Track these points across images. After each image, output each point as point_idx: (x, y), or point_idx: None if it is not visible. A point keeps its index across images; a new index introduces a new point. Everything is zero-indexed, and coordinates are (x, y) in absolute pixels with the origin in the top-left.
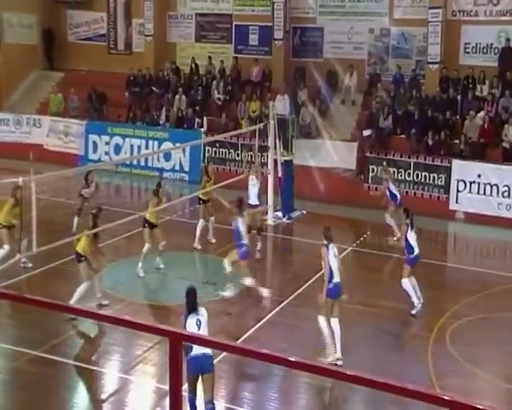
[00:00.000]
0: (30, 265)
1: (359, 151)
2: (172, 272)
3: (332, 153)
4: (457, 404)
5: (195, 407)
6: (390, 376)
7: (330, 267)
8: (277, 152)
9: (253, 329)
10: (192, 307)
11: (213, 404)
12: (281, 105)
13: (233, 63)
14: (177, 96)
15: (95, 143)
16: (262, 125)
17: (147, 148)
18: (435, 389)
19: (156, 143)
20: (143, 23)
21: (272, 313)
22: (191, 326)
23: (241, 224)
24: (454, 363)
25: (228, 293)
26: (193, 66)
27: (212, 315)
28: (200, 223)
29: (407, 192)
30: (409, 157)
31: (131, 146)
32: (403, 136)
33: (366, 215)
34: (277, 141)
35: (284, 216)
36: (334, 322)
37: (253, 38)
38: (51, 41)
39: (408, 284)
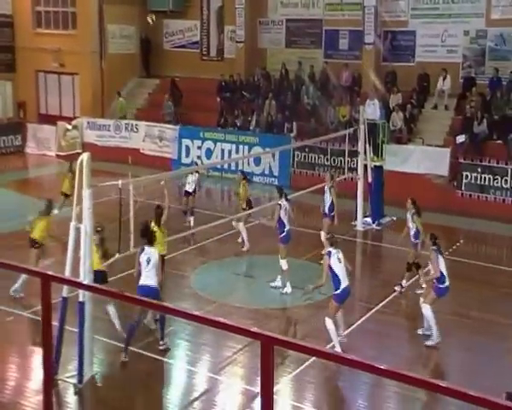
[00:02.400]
0: None
1: (452, 157)
2: (262, 275)
3: (424, 159)
4: None
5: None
6: (485, 391)
7: (336, 273)
8: (367, 157)
9: (342, 335)
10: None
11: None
12: (370, 110)
13: (323, 68)
14: (267, 102)
15: (187, 148)
16: (352, 129)
17: (237, 152)
18: None
19: (246, 147)
20: (235, 30)
21: (361, 319)
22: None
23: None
24: None
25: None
26: (283, 71)
27: (299, 320)
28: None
29: (504, 200)
30: (506, 164)
31: (222, 150)
32: (499, 141)
33: (459, 223)
34: (367, 146)
35: (374, 222)
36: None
37: (343, 43)
38: (148, 50)
39: (429, 311)
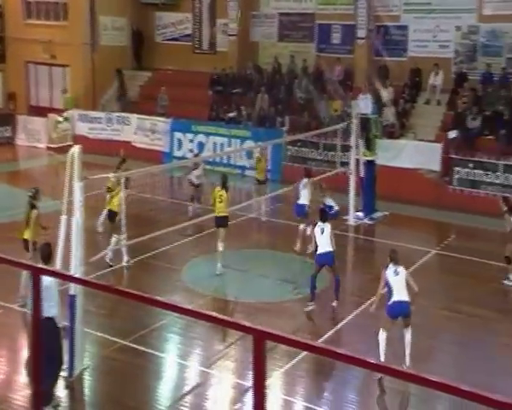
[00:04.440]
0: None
1: (444, 152)
2: (253, 269)
3: (416, 153)
4: None
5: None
6: (476, 386)
7: (390, 285)
8: (359, 152)
9: (334, 329)
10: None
11: None
12: (363, 104)
13: (316, 62)
14: (259, 95)
15: (179, 141)
16: (344, 124)
17: (229, 146)
18: None
19: (238, 141)
20: (227, 23)
21: (352, 314)
22: None
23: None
24: None
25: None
26: (275, 65)
27: (290, 314)
28: None
29: (495, 195)
30: (497, 159)
31: (214, 144)
32: (491, 137)
33: (451, 218)
34: (359, 140)
35: (366, 217)
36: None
37: (336, 37)
38: (140, 42)
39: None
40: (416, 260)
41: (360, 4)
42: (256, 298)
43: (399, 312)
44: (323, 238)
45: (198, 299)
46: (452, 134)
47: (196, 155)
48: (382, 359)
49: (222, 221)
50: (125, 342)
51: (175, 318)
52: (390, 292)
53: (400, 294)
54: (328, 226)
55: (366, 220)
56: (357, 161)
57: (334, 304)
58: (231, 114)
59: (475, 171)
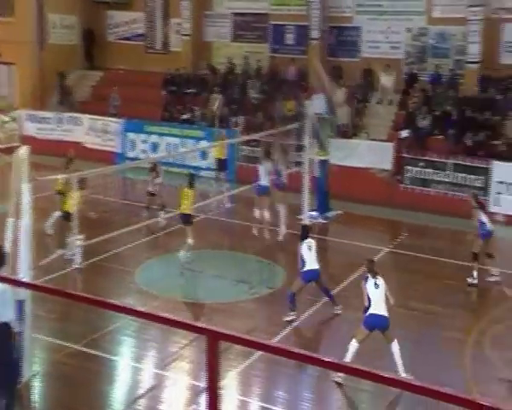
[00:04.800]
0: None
1: (396, 151)
2: (208, 270)
3: (368, 153)
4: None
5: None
6: (427, 380)
7: (369, 298)
8: (313, 151)
9: (288, 328)
10: None
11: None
12: (316, 104)
13: (270, 62)
14: (213, 96)
15: (132, 142)
16: (298, 124)
17: (183, 147)
18: (473, 394)
19: (192, 141)
20: (181, 22)
21: (307, 313)
22: None
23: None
24: (493, 368)
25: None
26: (229, 65)
27: (246, 314)
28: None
29: (445, 194)
30: (447, 158)
31: (168, 144)
32: (440, 136)
33: (402, 216)
34: (313, 140)
35: (319, 216)
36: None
37: (289, 38)
38: (91, 41)
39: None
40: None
41: (313, 5)
42: (212, 299)
43: (376, 325)
44: (311, 255)
45: (152, 301)
46: (404, 133)
47: (153, 168)
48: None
49: (185, 218)
50: (76, 347)
51: (128, 320)
52: (368, 304)
53: (378, 307)
54: (314, 243)
55: (320, 219)
56: (311, 160)
57: (339, 311)
58: (185, 115)
59: (426, 170)
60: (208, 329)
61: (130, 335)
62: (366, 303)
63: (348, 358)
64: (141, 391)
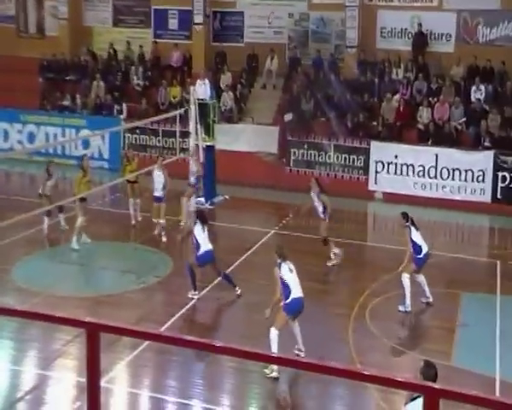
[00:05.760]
0: None
1: (281, 135)
2: (93, 262)
3: (254, 137)
4: (375, 378)
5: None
6: (312, 355)
7: (287, 284)
8: (199, 137)
9: (177, 315)
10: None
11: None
12: (201, 90)
13: (152, 48)
14: (94, 83)
15: (5, 132)
16: (183, 110)
17: (63, 136)
18: (356, 365)
19: (73, 130)
20: (56, 5)
21: (195, 298)
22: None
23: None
24: (373, 339)
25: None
26: (111, 51)
27: (133, 304)
28: (130, 202)
29: (328, 174)
30: (329, 140)
31: (47, 134)
32: (323, 119)
33: (288, 198)
34: (198, 126)
35: (206, 202)
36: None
37: (173, 23)
38: None
39: (407, 280)
40: (257, 240)
41: None
42: (97, 291)
43: (299, 308)
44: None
45: (32, 298)
46: (288, 116)
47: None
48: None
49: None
50: None
51: (4, 321)
52: (287, 290)
53: (298, 290)
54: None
55: (207, 205)
56: (197, 146)
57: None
58: (65, 103)
59: (310, 151)
60: (87, 321)
61: (7, 336)
62: (282, 290)
63: (274, 348)
64: (20, 394)
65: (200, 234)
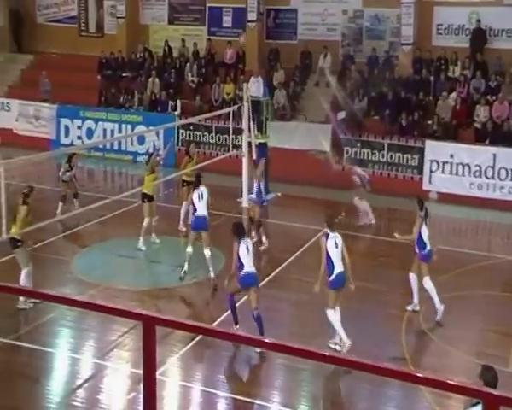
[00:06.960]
0: None
1: (333, 133)
2: (147, 257)
3: (307, 135)
4: (429, 380)
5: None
6: (365, 356)
7: (330, 258)
8: (251, 134)
9: (229, 311)
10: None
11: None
12: (254, 87)
13: (206, 45)
14: (150, 80)
15: (66, 128)
16: (236, 107)
17: (120, 132)
18: (409, 367)
19: (129, 126)
20: (115, 5)
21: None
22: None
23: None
24: (427, 341)
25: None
26: (166, 48)
27: (185, 300)
28: (184, 205)
29: (381, 173)
30: (382, 138)
31: (104, 130)
32: (377, 117)
33: (341, 197)
34: (251, 123)
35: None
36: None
37: (227, 20)
38: (19, 23)
39: (430, 283)
40: (308, 238)
41: None
42: (151, 285)
43: (342, 284)
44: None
45: (89, 289)
46: (341, 115)
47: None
48: (344, 336)
49: (145, 197)
50: (6, 341)
51: (64, 310)
52: (331, 265)
53: (339, 265)
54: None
55: (265, 200)
56: (250, 143)
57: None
58: (125, 100)
59: (363, 150)
60: (144, 314)
61: (66, 325)
62: (325, 262)
63: (337, 326)
64: (79, 382)
65: (245, 253)
